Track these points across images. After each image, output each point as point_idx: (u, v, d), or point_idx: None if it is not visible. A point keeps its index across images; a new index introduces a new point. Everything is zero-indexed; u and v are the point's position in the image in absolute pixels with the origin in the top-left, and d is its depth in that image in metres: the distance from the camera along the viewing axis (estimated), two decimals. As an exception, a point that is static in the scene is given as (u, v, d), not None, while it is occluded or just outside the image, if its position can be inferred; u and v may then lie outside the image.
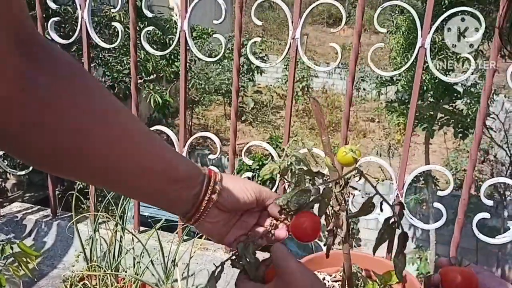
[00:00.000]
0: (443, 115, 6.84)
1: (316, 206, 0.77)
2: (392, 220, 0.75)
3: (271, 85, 13.53)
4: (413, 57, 1.32)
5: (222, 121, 12.12)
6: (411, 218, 1.43)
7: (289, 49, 1.44)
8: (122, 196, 1.42)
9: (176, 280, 1.44)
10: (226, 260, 0.68)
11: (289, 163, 0.73)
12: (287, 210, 0.69)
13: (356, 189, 0.88)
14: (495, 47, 1.23)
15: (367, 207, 0.77)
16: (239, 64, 1.53)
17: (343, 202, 0.88)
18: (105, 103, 0.54)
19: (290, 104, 1.48)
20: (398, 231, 0.75)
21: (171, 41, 7.10)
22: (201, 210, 0.63)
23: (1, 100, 0.44)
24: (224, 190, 0.64)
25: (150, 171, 0.58)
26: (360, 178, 0.83)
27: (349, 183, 0.88)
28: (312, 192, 0.71)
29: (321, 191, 0.73)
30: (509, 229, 1.39)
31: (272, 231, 0.69)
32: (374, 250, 0.79)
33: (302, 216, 0.68)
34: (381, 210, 0.80)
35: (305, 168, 0.78)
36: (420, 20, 1.31)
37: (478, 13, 1.26)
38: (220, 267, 0.66)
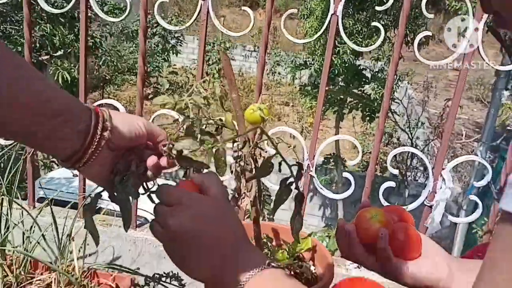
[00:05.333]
0: (352, 99, 7.14)
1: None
2: (290, 180, 0.75)
3: (187, 66, 13.28)
4: (325, 24, 1.30)
5: (135, 101, 11.68)
6: (321, 188, 1.43)
7: (199, 12, 1.36)
8: (9, 167, 1.26)
9: (78, 258, 1.32)
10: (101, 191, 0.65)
11: (186, 105, 0.66)
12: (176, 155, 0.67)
13: (263, 150, 0.85)
14: (399, 36, 1.25)
15: (266, 167, 0.76)
16: (145, 25, 1.43)
17: (252, 163, 0.84)
18: None
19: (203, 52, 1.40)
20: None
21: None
22: (92, 150, 0.58)
23: None
24: (115, 127, 0.59)
25: (20, 105, 0.51)
26: (261, 137, 0.81)
27: (258, 144, 0.84)
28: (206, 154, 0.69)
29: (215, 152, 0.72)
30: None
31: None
32: (273, 211, 0.80)
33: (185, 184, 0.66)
34: (279, 170, 0.79)
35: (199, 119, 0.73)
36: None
37: None
38: (95, 199, 0.64)
